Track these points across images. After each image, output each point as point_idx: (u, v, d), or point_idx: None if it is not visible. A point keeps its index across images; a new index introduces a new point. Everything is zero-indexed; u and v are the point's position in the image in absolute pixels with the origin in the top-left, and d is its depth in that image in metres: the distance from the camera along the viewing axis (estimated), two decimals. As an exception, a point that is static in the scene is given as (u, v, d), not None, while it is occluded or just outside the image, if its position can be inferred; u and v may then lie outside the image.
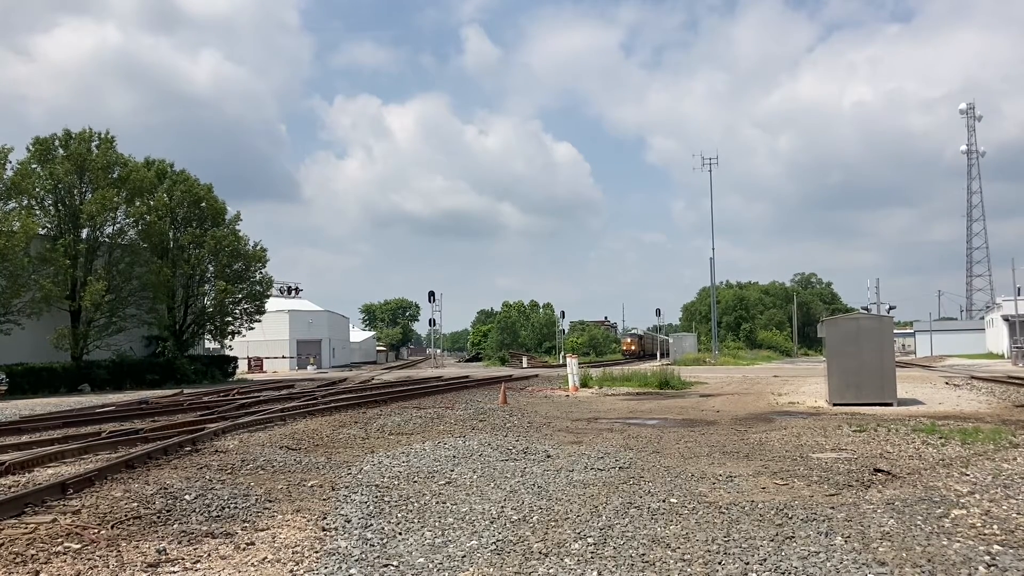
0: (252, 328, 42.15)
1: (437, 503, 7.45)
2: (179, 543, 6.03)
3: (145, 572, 5.32)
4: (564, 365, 39.31)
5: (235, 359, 44.77)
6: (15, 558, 5.53)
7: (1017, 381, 24.66)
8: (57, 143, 33.47)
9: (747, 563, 5.28)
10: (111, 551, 5.75)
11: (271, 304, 47.92)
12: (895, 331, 22.39)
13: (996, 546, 5.59)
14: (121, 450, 11.06)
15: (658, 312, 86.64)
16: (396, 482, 8.56)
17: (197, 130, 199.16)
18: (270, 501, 7.57)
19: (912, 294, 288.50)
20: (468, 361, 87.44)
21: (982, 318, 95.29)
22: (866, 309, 63.71)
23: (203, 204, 38.83)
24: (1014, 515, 6.51)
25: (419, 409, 18.02)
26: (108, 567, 5.39)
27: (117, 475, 8.78)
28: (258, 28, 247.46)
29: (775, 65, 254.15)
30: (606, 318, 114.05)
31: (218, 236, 38.04)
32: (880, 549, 5.59)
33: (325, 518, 6.84)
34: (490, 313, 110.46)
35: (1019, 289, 67.45)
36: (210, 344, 44.82)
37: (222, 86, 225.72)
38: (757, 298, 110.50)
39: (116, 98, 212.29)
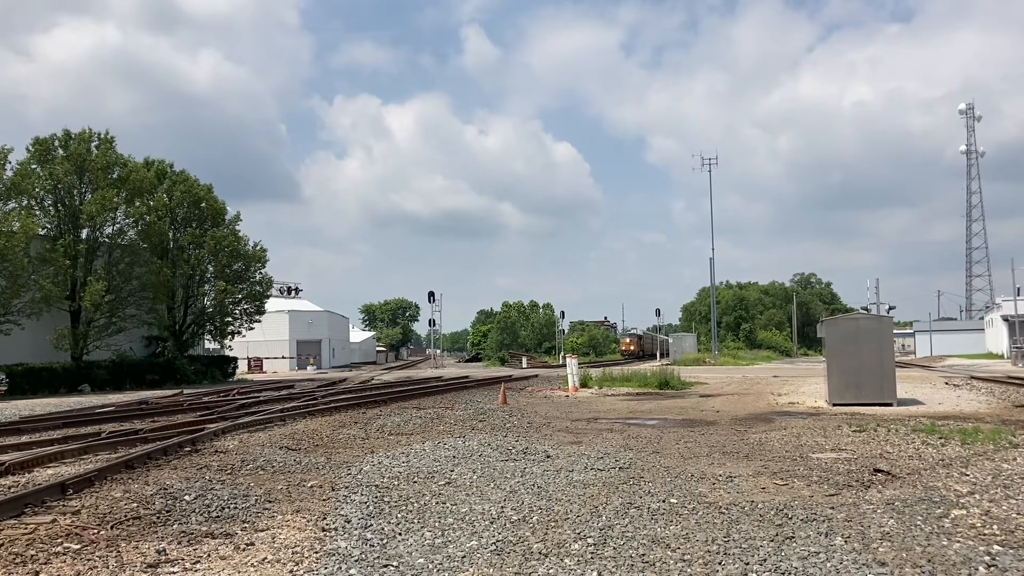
0: (252, 328, 42.14)
1: (437, 503, 7.45)
2: (179, 543, 6.03)
3: (145, 572, 5.32)
4: (564, 365, 39.31)
5: (235, 359, 44.77)
6: (15, 558, 5.53)
7: (1017, 381, 24.67)
8: (57, 143, 33.47)
9: (747, 563, 5.28)
10: (111, 551, 5.75)
11: (271, 304, 47.92)
12: (895, 331, 22.38)
13: (996, 546, 5.59)
14: (121, 450, 11.06)
15: (658, 312, 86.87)
16: (396, 482, 8.56)
17: (197, 130, 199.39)
18: (270, 501, 7.57)
19: (912, 294, 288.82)
20: (468, 361, 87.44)
21: (982, 318, 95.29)
22: (866, 309, 63.73)
23: (203, 204, 38.83)
24: (1014, 515, 6.51)
25: (419, 409, 18.02)
26: (108, 567, 5.39)
27: (117, 475, 8.78)
28: (258, 28, 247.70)
29: (775, 65, 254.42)
30: (606, 318, 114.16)
31: (218, 236, 38.03)
32: (880, 549, 5.59)
33: (325, 518, 6.84)
34: (490, 313, 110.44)
35: (1019, 289, 67.47)
36: (210, 344, 44.83)
37: (222, 86, 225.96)
38: (757, 298, 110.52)
39: (116, 98, 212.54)
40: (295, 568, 5.41)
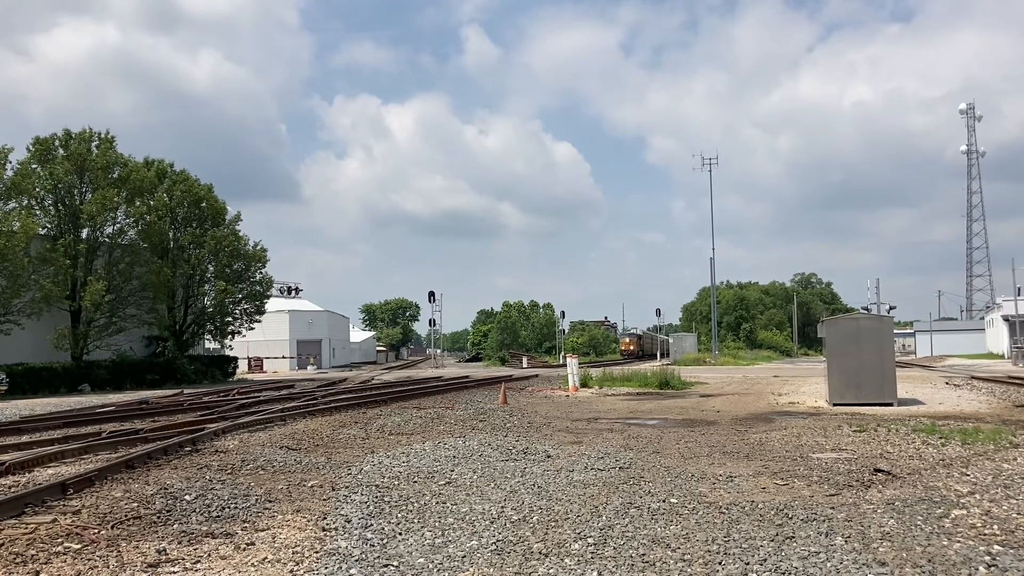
0: (252, 328, 42.14)
1: (437, 503, 7.45)
2: (179, 543, 6.03)
3: (145, 572, 5.32)
4: (564, 365, 39.30)
5: (235, 359, 44.78)
6: (15, 558, 5.53)
7: (1017, 381, 24.66)
8: (57, 143, 33.47)
9: (747, 563, 5.28)
10: (111, 551, 5.75)
11: (271, 304, 47.92)
12: (895, 331, 22.39)
13: (996, 546, 5.59)
14: (121, 450, 11.06)
15: (658, 312, 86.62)
16: (396, 482, 8.56)
17: (197, 130, 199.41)
18: (270, 501, 7.57)
19: (912, 294, 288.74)
20: (468, 361, 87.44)
21: (982, 318, 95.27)
22: (866, 309, 63.71)
23: (203, 204, 38.83)
24: (1014, 515, 6.51)
25: (419, 409, 18.02)
26: (108, 567, 5.39)
27: (117, 475, 8.78)
28: (258, 28, 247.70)
29: (775, 65, 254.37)
30: (606, 318, 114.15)
31: (218, 236, 38.04)
32: (880, 549, 5.59)
33: (325, 518, 6.84)
34: (490, 313, 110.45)
35: (1019, 289, 67.45)
36: (210, 344, 44.83)
37: (222, 86, 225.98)
38: (757, 298, 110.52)
39: (116, 98, 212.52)
40: (295, 568, 5.41)
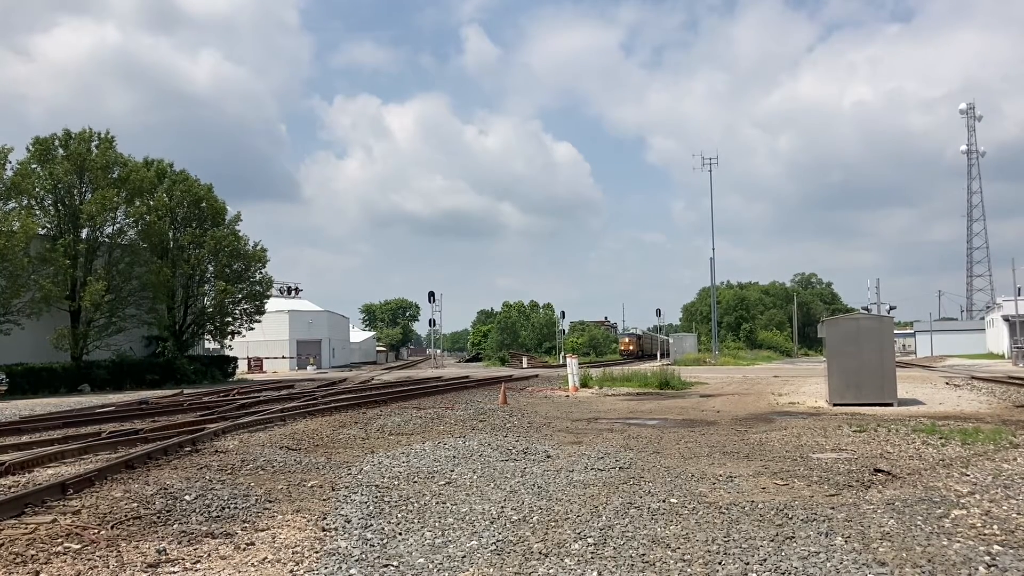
0: (252, 328, 42.13)
1: (437, 503, 7.45)
2: (179, 543, 6.03)
3: (145, 572, 5.32)
4: (564, 365, 39.30)
5: (235, 359, 44.77)
6: (15, 558, 5.53)
7: (1017, 381, 24.66)
8: (57, 143, 33.47)
9: (747, 563, 5.28)
10: (111, 551, 5.75)
11: (271, 304, 47.92)
12: (895, 331, 22.38)
13: (996, 546, 5.59)
14: (121, 450, 11.06)
15: (658, 312, 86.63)
16: (396, 482, 8.56)
17: (197, 130, 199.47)
18: (270, 501, 7.57)
19: (912, 294, 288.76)
20: (468, 361, 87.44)
21: (982, 318, 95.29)
22: (866, 309, 63.71)
23: (203, 204, 38.82)
24: (1014, 515, 6.51)
25: (419, 409, 18.02)
26: (108, 567, 5.39)
27: (117, 475, 8.78)
28: (258, 28, 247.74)
29: (775, 65, 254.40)
30: (606, 318, 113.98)
31: (218, 236, 38.03)
32: (880, 549, 5.59)
33: (325, 518, 6.84)
34: (490, 313, 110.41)
35: (1019, 289, 67.49)
36: (210, 344, 44.81)
37: (222, 86, 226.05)
38: (757, 298, 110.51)
39: (115, 98, 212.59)
40: (295, 568, 5.41)
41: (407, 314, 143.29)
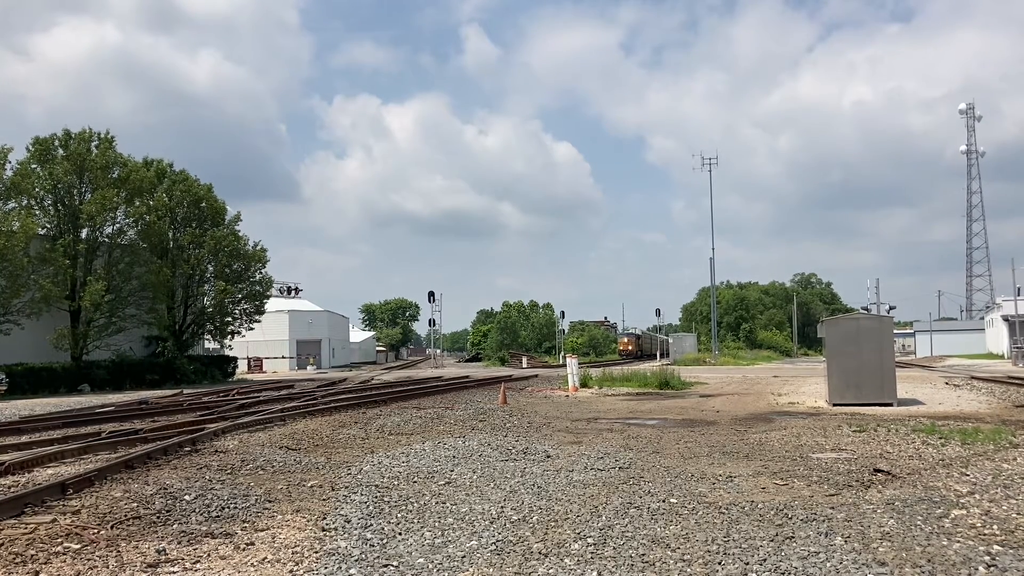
0: (252, 328, 42.14)
1: (437, 503, 7.45)
2: (179, 543, 6.03)
3: (145, 572, 5.32)
4: (564, 365, 39.30)
5: (235, 359, 44.77)
6: (15, 558, 5.53)
7: (1017, 381, 24.67)
8: (57, 143, 33.48)
9: (747, 563, 5.28)
10: (111, 551, 5.75)
11: (271, 304, 47.91)
12: (895, 331, 22.38)
13: (996, 546, 5.59)
14: (121, 450, 11.06)
15: (658, 312, 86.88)
16: (396, 482, 8.56)
17: (197, 130, 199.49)
18: (270, 501, 7.57)
19: (912, 294, 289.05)
20: (468, 361, 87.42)
21: (982, 318, 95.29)
22: (866, 309, 63.73)
23: (203, 204, 38.83)
24: (1014, 515, 6.51)
25: (419, 409, 18.02)
26: (108, 567, 5.39)
27: (117, 475, 8.78)
28: (257, 28, 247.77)
29: (775, 65, 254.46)
30: (606, 318, 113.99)
31: (218, 236, 38.04)
32: (880, 549, 5.59)
33: (325, 518, 6.84)
34: (490, 313, 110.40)
35: (1019, 289, 67.49)
36: (210, 344, 44.83)
37: (222, 86, 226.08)
38: (757, 298, 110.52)
39: (115, 98, 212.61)
40: (295, 568, 5.40)
41: (407, 314, 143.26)
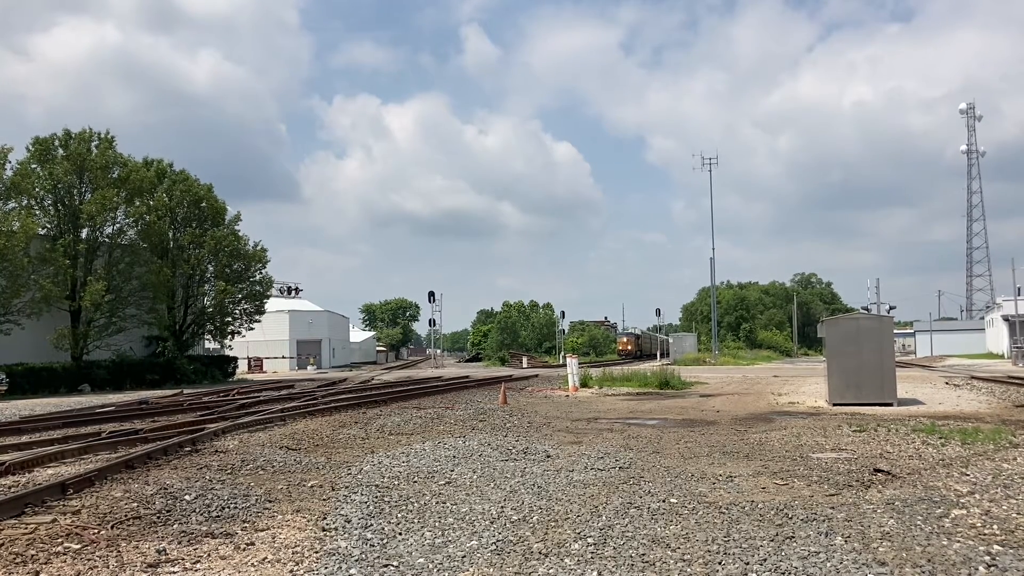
0: (252, 328, 42.14)
1: (437, 503, 7.45)
2: (179, 543, 6.03)
3: (145, 572, 5.32)
4: (564, 365, 39.30)
5: (235, 359, 44.78)
6: (15, 558, 5.53)
7: (1017, 381, 24.66)
8: (57, 143, 33.49)
9: (747, 563, 5.28)
10: (111, 551, 5.75)
11: (271, 304, 47.92)
12: (895, 331, 22.39)
13: (996, 546, 5.59)
14: (121, 450, 11.06)
15: (658, 312, 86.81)
16: (396, 482, 8.56)
17: (197, 130, 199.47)
18: (270, 501, 7.57)
19: (912, 294, 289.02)
20: (468, 361, 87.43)
21: (982, 318, 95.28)
22: (866, 309, 63.71)
23: (203, 204, 38.84)
24: (1014, 515, 6.51)
25: (419, 409, 18.02)
26: (108, 567, 5.39)
27: (117, 475, 8.78)
28: (257, 28, 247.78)
29: (775, 65, 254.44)
30: (606, 318, 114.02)
31: (218, 236, 38.04)
32: (880, 549, 5.59)
33: (325, 518, 6.84)
34: (490, 313, 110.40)
35: (1019, 289, 67.46)
36: (210, 344, 44.84)
37: (221, 86, 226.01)
38: (757, 298, 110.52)
39: (115, 98, 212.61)
40: (295, 568, 5.41)
41: (407, 314, 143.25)
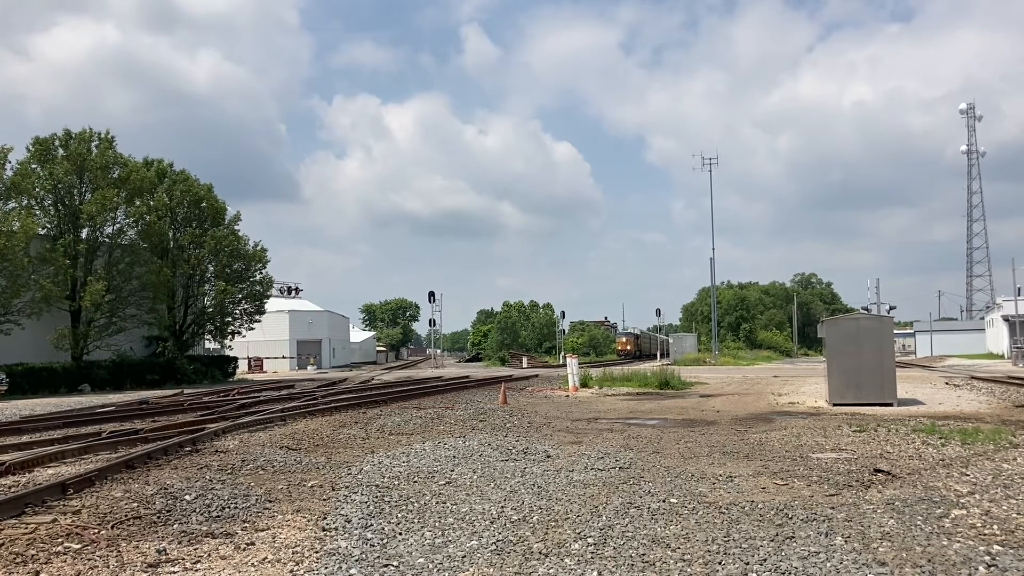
0: (252, 328, 42.15)
1: (437, 503, 7.45)
2: (179, 543, 6.03)
3: (145, 572, 5.32)
4: (564, 365, 39.30)
5: (235, 359, 44.79)
6: (15, 558, 5.53)
7: (1017, 381, 24.66)
8: (57, 143, 33.50)
9: (747, 563, 5.28)
10: (111, 551, 5.75)
11: (271, 304, 47.92)
12: (895, 331, 22.38)
13: (996, 546, 5.59)
14: (121, 450, 11.06)
15: (658, 312, 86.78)
16: (396, 482, 8.56)
17: (197, 130, 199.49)
18: (270, 501, 7.57)
19: (912, 294, 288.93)
20: (468, 361, 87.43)
21: (982, 318, 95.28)
22: (866, 309, 63.70)
23: (203, 204, 38.86)
24: (1014, 515, 6.51)
25: (419, 409, 18.02)
26: (108, 567, 5.39)
27: (117, 475, 8.78)
28: (257, 28, 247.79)
29: (775, 65, 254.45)
30: (606, 318, 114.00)
31: (218, 236, 38.05)
32: (880, 549, 5.59)
33: (325, 518, 6.84)
34: (490, 313, 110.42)
35: (1019, 289, 67.46)
36: (210, 344, 44.84)
37: (221, 85, 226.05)
38: (757, 298, 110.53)
39: (115, 97, 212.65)
40: (295, 568, 5.41)
41: (407, 314, 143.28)
